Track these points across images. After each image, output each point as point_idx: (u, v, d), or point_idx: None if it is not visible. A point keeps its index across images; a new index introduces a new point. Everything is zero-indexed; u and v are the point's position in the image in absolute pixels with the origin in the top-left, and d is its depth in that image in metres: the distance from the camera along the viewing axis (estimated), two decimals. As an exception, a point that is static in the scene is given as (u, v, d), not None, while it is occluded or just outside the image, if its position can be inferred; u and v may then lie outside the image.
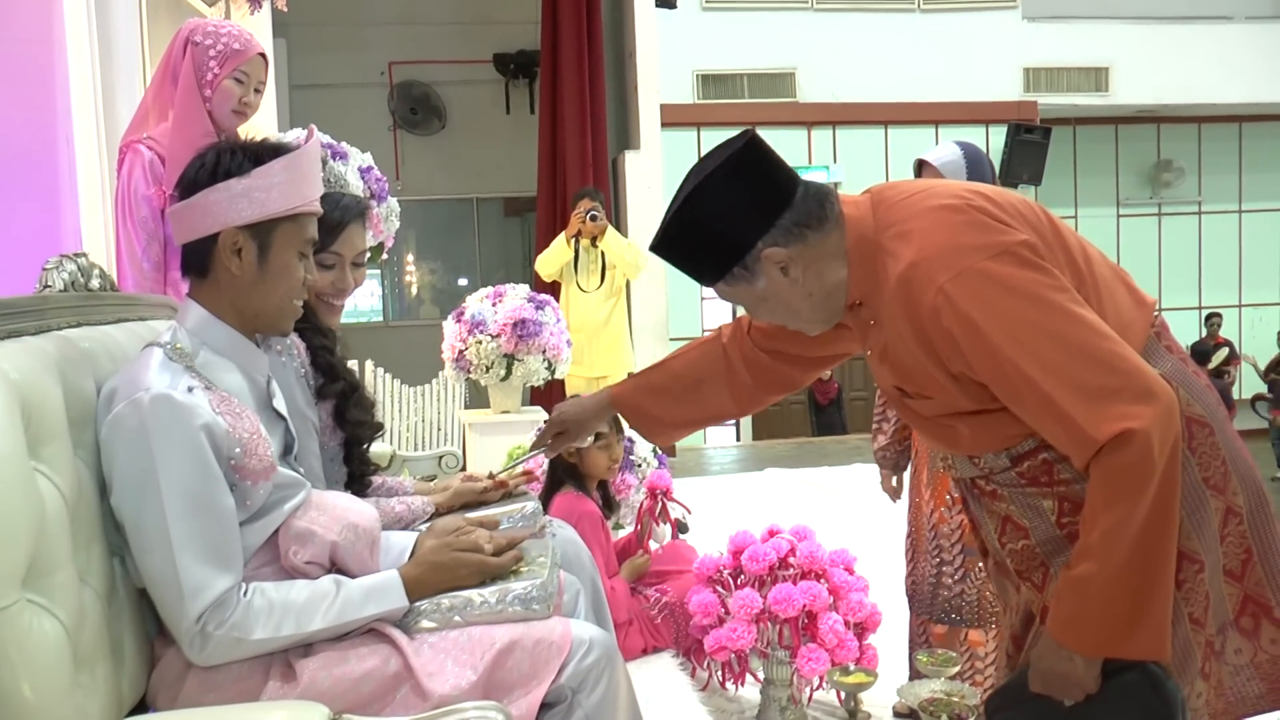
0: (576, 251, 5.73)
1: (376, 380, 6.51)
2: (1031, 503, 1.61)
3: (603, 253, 5.72)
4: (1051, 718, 1.53)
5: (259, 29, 5.13)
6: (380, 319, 9.84)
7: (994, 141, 10.49)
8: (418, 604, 1.58)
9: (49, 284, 1.67)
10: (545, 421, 2.17)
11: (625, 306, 6.05)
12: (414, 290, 10.48)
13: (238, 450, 1.48)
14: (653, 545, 3.46)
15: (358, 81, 9.36)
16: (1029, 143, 10.31)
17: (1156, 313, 1.63)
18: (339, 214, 2.00)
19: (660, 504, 3.38)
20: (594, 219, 5.58)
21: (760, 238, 1.52)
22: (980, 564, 2.47)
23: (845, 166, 10.27)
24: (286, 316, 1.65)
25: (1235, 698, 1.64)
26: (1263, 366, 9.78)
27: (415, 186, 9.22)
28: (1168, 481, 1.41)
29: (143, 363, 1.49)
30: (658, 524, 3.35)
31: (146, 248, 2.59)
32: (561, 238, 5.79)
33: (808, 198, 1.54)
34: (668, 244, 1.57)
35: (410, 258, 10.38)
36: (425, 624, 1.57)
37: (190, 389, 1.46)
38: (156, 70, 2.75)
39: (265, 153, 1.57)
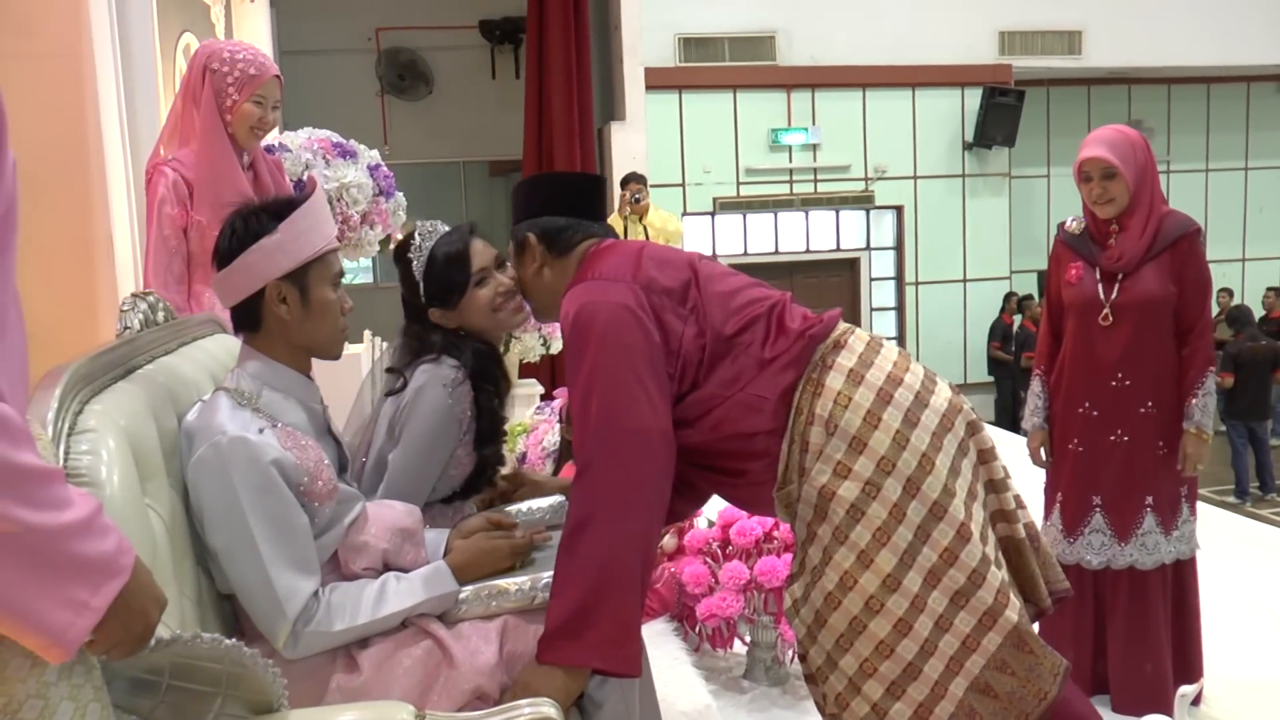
0: (625, 223, 6.45)
1: (377, 351, 6.67)
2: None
3: (646, 226, 6.47)
4: None
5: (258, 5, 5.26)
6: (370, 280, 9.98)
7: (969, 104, 10.64)
8: (462, 594, 1.81)
9: (128, 325, 1.83)
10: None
11: None
12: (403, 251, 10.58)
13: (305, 479, 1.70)
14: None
15: (346, 47, 9.38)
16: (1003, 105, 10.47)
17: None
18: (460, 243, 2.19)
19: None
20: (637, 202, 6.37)
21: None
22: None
23: (823, 128, 10.41)
24: (336, 342, 1.84)
25: None
26: None
27: (403, 151, 9.29)
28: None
29: (214, 407, 1.70)
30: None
31: (169, 263, 2.72)
32: (615, 214, 6.43)
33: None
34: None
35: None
36: (468, 611, 1.81)
37: (261, 430, 1.68)
38: (178, 93, 2.87)
39: (284, 208, 1.74)
